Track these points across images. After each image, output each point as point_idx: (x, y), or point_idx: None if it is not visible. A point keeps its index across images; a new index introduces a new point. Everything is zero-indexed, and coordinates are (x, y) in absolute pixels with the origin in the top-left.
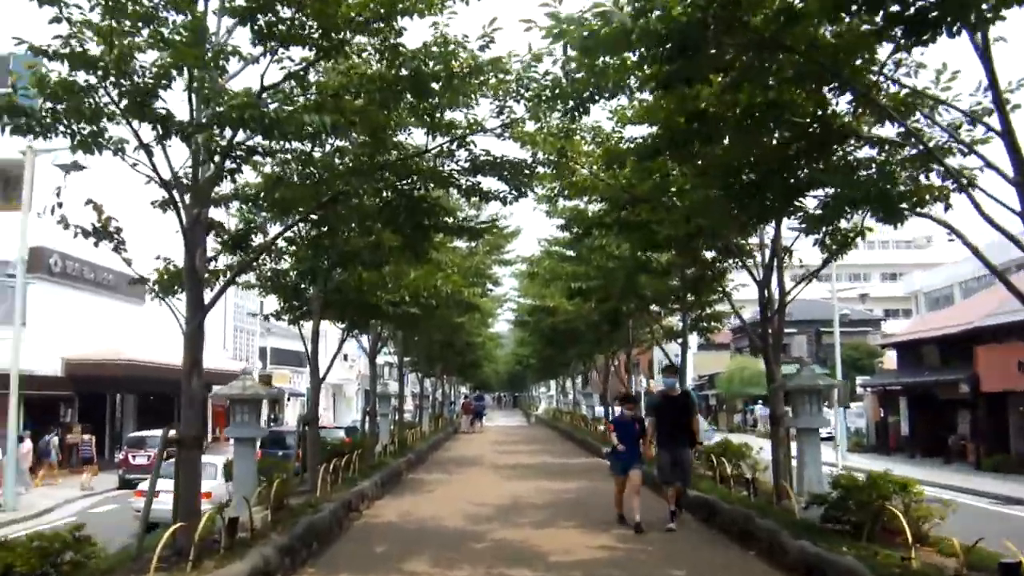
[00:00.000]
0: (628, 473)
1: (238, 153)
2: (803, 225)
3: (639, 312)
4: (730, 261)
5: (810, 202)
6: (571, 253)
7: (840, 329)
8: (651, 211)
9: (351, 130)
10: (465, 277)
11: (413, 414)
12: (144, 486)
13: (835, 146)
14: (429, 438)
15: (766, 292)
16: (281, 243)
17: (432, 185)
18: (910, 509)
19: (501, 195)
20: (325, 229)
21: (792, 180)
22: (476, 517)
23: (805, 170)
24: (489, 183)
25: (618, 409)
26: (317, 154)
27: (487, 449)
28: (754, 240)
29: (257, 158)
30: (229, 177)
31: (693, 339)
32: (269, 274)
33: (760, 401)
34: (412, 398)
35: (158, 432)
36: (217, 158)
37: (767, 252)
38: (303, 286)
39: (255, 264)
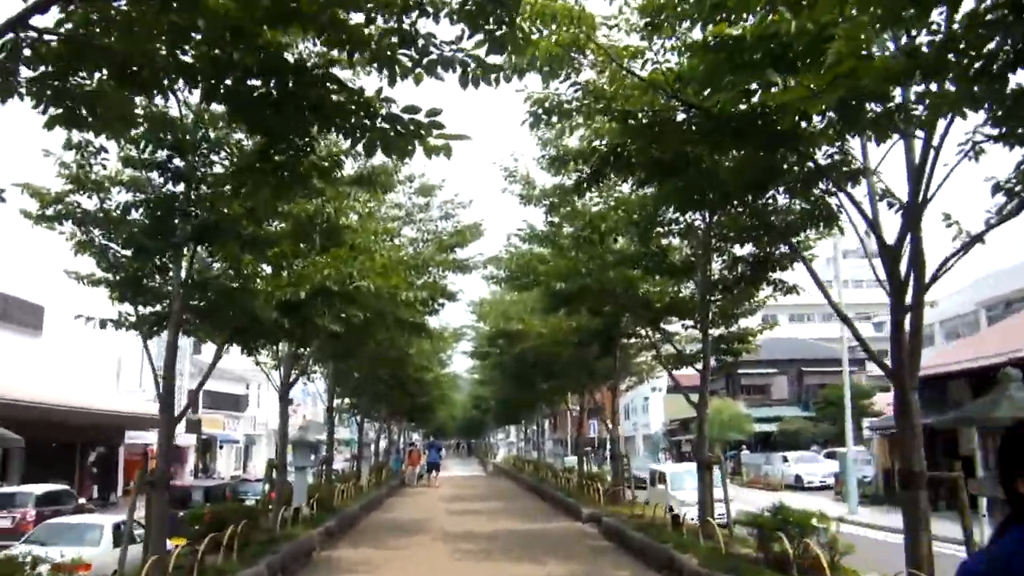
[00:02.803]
0: None
1: None
2: None
3: (637, 330)
4: (809, 232)
5: None
6: (548, 250)
7: (822, 369)
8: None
9: None
10: (408, 282)
11: (351, 463)
12: (16, 550)
13: None
14: (367, 494)
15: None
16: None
17: (313, 35)
18: None
19: (458, 57)
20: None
21: None
22: None
23: None
24: (433, 30)
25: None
26: None
27: (438, 508)
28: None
29: None
30: None
31: (662, 381)
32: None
33: (744, 447)
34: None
35: (33, 488)
36: None
37: (878, 200)
38: (145, 263)
39: None
